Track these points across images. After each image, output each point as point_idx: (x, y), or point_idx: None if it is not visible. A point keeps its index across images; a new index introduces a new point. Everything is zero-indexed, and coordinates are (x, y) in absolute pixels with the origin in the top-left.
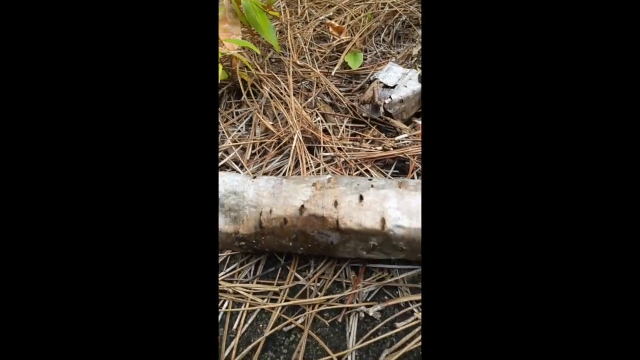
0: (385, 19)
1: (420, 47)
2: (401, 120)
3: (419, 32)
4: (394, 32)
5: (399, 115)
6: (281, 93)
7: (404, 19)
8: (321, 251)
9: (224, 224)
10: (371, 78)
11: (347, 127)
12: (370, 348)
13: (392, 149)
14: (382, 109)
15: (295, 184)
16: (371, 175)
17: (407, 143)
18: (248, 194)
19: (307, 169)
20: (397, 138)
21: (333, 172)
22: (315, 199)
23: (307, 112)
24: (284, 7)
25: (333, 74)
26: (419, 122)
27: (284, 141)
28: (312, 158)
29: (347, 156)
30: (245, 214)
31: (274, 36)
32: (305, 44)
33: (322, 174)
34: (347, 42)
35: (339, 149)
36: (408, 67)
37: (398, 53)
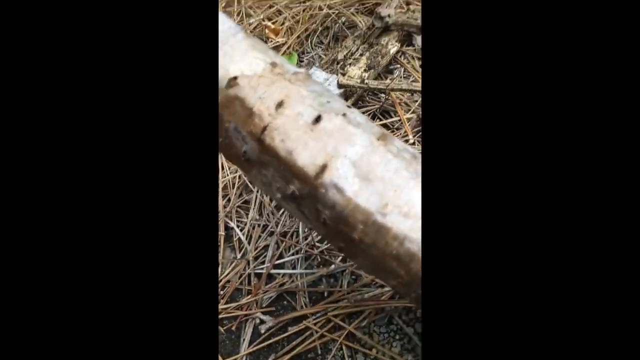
0: (323, 20)
1: (345, 52)
2: None
3: (351, 36)
4: (332, 35)
5: None
6: None
7: (343, 20)
8: (232, 157)
9: None
10: None
11: None
12: (262, 353)
13: None
14: None
15: (251, 45)
16: None
17: None
18: None
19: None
20: None
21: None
22: (260, 81)
23: None
24: (222, 6)
25: None
26: None
27: None
28: (229, 168)
29: None
30: None
31: None
32: None
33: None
34: (283, 44)
35: None
36: (332, 73)
37: (325, 56)
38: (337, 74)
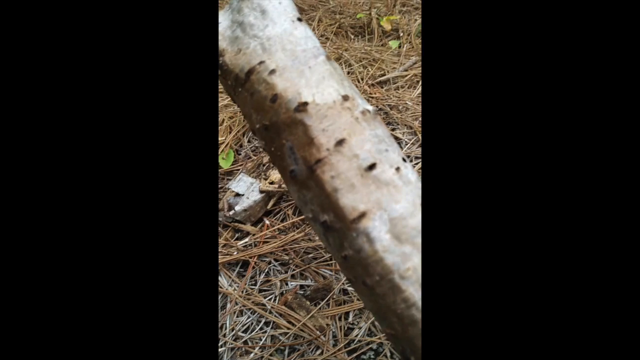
0: None
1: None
2: (250, 223)
3: None
4: None
5: (248, 219)
6: None
7: None
8: (278, 167)
9: (222, 35)
10: (226, 187)
11: None
12: None
13: (236, 252)
14: (231, 217)
15: (329, 72)
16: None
17: (251, 244)
18: (274, 25)
19: None
20: (239, 244)
21: None
22: (328, 112)
23: None
24: None
25: None
26: (266, 220)
27: None
28: None
29: None
30: (248, 45)
31: None
32: None
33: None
34: (221, 143)
35: None
36: (257, 177)
37: (255, 157)
38: (260, 180)
